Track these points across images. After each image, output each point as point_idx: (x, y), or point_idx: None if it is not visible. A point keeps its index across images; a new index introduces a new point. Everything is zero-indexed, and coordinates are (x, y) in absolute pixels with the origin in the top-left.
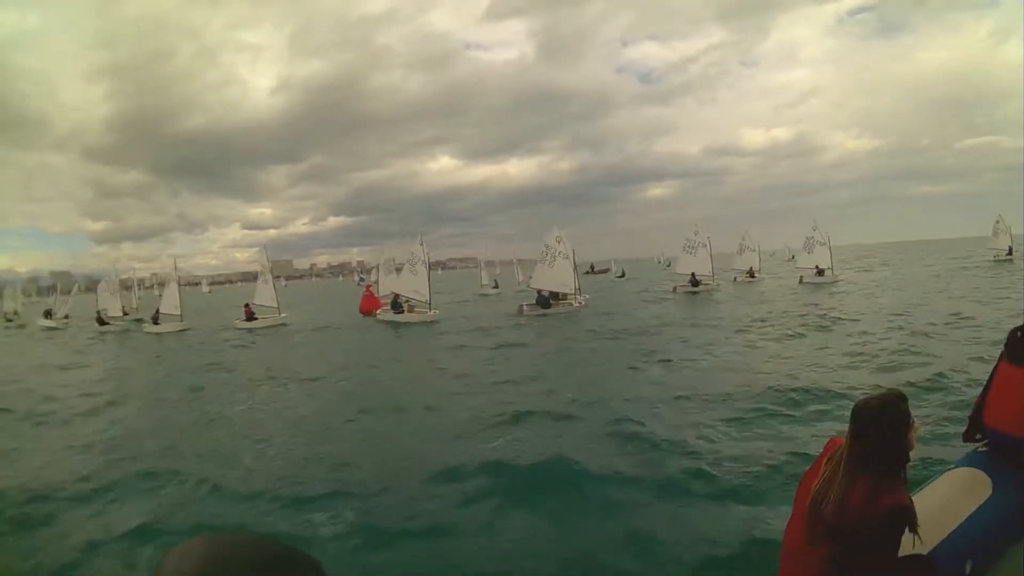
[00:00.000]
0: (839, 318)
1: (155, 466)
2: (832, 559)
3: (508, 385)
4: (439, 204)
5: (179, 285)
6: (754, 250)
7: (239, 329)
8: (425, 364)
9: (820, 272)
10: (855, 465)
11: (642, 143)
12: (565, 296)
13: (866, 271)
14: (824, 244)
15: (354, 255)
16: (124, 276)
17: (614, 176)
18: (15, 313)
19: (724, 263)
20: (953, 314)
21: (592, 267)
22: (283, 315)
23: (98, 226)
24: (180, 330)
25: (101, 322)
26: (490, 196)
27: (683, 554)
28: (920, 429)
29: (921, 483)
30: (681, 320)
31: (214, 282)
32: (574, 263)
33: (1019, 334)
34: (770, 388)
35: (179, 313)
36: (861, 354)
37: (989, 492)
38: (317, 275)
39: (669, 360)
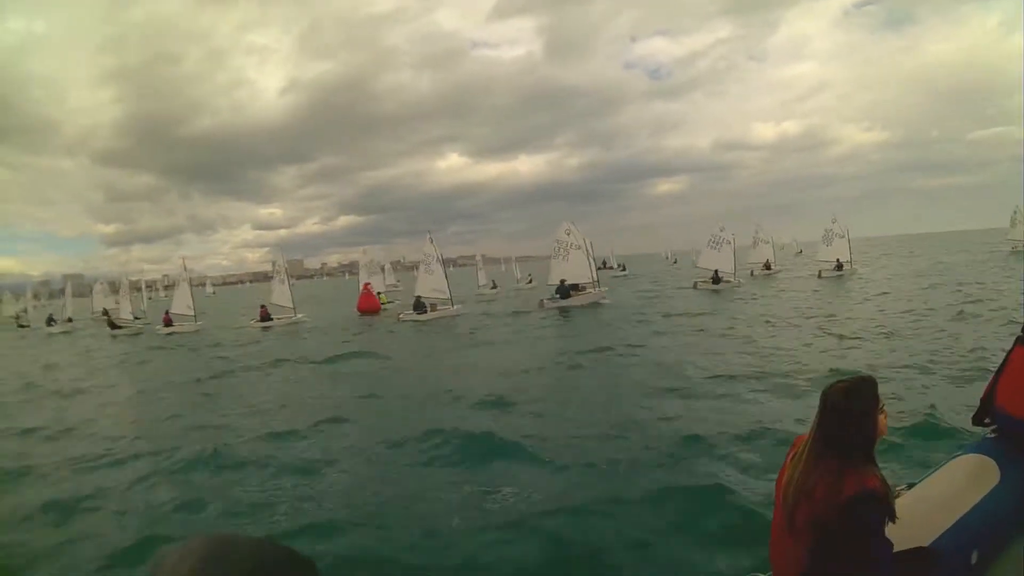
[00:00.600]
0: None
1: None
2: (811, 550)
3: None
4: (448, 202)
5: (190, 285)
6: (768, 243)
7: (254, 329)
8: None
9: (839, 266)
10: (818, 453)
11: (651, 138)
12: (584, 287)
13: (882, 267)
14: (843, 237)
15: (363, 254)
16: (134, 278)
17: (623, 172)
18: (15, 317)
19: (739, 257)
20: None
21: (603, 263)
22: (299, 315)
23: (109, 229)
24: (194, 331)
25: (112, 325)
26: (499, 193)
27: None
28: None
29: (927, 470)
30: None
31: (224, 282)
32: (588, 253)
33: None
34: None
35: (192, 313)
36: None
37: (997, 480)
38: (327, 274)
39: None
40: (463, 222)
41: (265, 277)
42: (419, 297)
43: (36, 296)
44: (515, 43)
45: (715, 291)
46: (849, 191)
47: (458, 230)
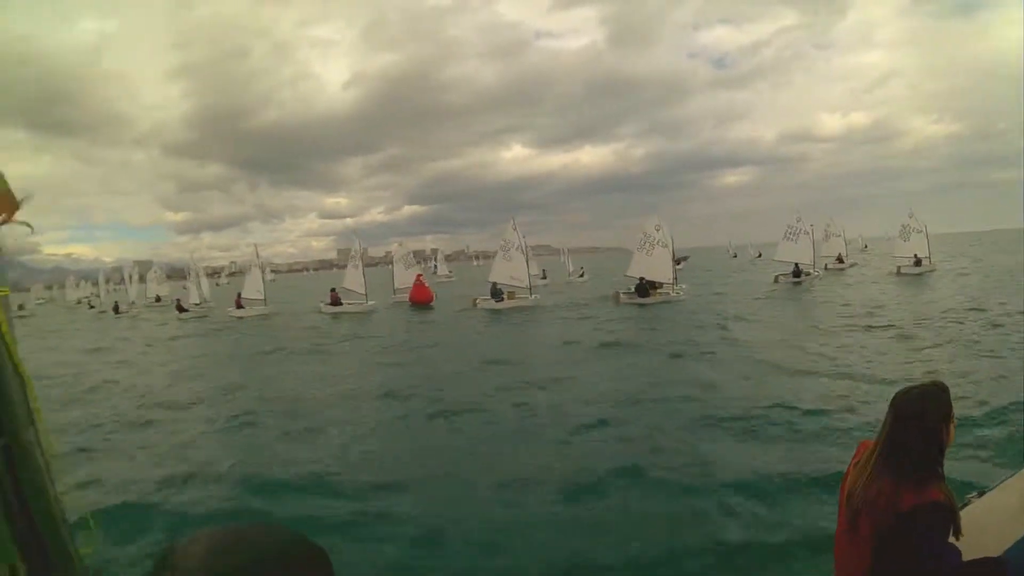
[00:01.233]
0: None
1: None
2: (874, 559)
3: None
4: (513, 193)
5: (261, 271)
6: (839, 235)
7: (324, 313)
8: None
9: (918, 262)
10: (885, 461)
11: (717, 129)
12: (661, 285)
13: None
14: (921, 232)
15: (428, 243)
16: (204, 264)
17: (689, 162)
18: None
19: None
20: None
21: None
22: (371, 302)
23: (178, 217)
24: (265, 314)
25: (180, 309)
26: (563, 184)
27: None
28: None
29: (999, 477)
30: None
31: (290, 270)
32: (673, 253)
33: None
34: None
35: (262, 297)
36: None
37: None
38: (389, 263)
39: None
40: (528, 212)
41: (330, 265)
42: (495, 284)
43: (108, 281)
44: (578, 33)
45: (796, 283)
46: (917, 185)
47: (524, 220)
